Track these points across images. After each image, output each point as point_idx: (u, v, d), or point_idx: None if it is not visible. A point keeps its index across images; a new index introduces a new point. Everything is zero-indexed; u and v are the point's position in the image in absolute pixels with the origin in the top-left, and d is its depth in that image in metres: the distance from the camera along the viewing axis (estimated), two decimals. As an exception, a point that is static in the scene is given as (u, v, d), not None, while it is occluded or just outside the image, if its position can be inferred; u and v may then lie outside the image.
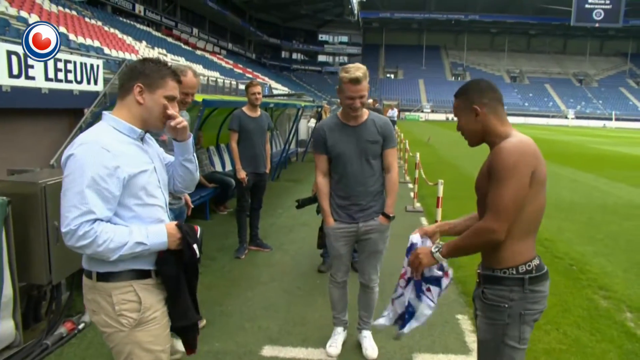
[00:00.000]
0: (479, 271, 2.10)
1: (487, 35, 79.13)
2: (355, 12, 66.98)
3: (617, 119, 59.52)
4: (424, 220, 7.51)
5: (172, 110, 1.97)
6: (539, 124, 55.31)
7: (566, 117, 61.67)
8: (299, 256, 5.60)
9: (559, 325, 3.89)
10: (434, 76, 74.03)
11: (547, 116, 62.30)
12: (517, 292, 1.95)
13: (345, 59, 76.16)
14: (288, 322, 3.87)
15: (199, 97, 5.01)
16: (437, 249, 2.07)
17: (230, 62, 47.32)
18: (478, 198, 2.08)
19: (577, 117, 61.02)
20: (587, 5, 64.72)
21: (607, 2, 64.54)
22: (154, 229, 1.87)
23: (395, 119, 25.84)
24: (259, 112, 5.44)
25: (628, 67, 75.13)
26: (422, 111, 64.18)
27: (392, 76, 76.94)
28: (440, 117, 61.75)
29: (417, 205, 8.33)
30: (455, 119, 2.17)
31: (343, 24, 71.39)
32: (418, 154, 8.59)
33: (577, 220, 7.31)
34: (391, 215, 3.26)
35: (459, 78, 75.77)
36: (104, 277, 1.87)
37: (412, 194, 8.72)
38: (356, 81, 2.93)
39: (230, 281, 4.74)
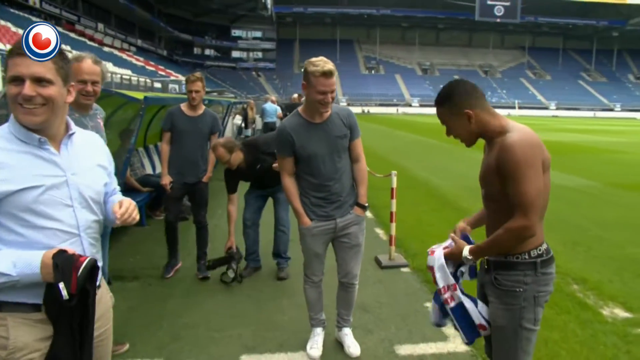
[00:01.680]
0: (486, 257, 2.09)
1: (398, 29, 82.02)
2: (269, 6, 66.51)
3: (519, 108, 64.36)
4: (368, 214, 7.54)
5: (28, 90, 1.51)
6: (450, 114, 58.24)
7: (474, 107, 65.65)
8: (253, 257, 5.36)
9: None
10: (348, 70, 75.51)
11: (457, 106, 65.91)
12: (530, 276, 1.99)
13: (260, 54, 75.67)
14: (260, 328, 3.67)
15: (139, 95, 4.62)
16: (470, 256, 2.07)
17: (141, 59, 45.25)
18: (485, 192, 2.10)
19: (484, 106, 65.23)
20: (489, 2, 69.67)
21: (507, -1, 69.73)
22: (26, 258, 1.51)
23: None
24: (200, 110, 4.66)
25: (526, 60, 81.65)
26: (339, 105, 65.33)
27: (308, 71, 77.44)
28: (356, 110, 63.04)
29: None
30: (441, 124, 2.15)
31: (256, 18, 70.61)
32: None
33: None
34: (366, 204, 3.21)
35: (373, 71, 77.99)
36: None
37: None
38: (329, 74, 2.81)
39: (186, 290, 4.42)
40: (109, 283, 4.38)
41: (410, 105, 65.42)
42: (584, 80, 77.08)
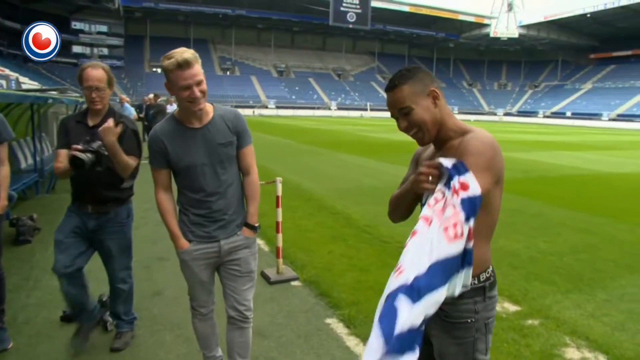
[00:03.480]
0: None
1: (254, 31, 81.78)
2: (115, -1, 61.56)
3: (371, 109, 68.61)
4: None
5: None
6: (307, 115, 59.94)
7: (329, 109, 68.46)
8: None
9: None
10: (203, 70, 73.06)
11: (313, 108, 68.05)
12: (480, 303, 1.78)
13: (106, 50, 69.92)
14: (141, 373, 3.06)
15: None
16: None
17: (-44, 49, 38.49)
18: None
19: (338, 108, 68.24)
20: (342, 8, 73.53)
21: (358, 7, 74.49)
22: None
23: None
24: None
25: (376, 64, 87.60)
26: (196, 105, 63.27)
27: (159, 70, 73.38)
28: (215, 111, 61.68)
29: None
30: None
31: (101, 11, 64.58)
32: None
33: (384, 202, 7.86)
34: (256, 225, 2.71)
35: (228, 72, 76.79)
36: None
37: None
38: (185, 64, 2.36)
39: (35, 336, 3.54)
40: None
41: (266, 107, 65.60)
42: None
